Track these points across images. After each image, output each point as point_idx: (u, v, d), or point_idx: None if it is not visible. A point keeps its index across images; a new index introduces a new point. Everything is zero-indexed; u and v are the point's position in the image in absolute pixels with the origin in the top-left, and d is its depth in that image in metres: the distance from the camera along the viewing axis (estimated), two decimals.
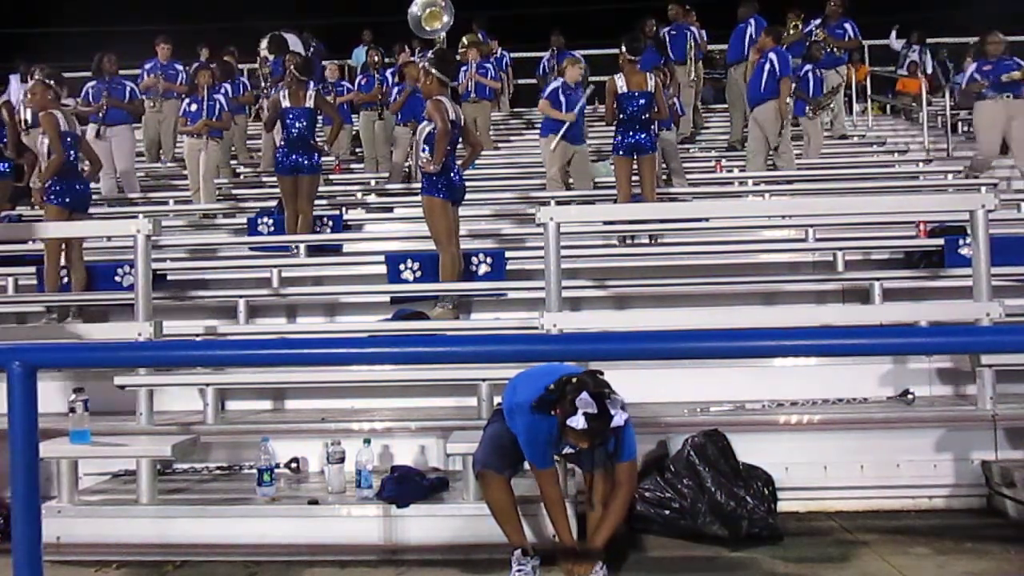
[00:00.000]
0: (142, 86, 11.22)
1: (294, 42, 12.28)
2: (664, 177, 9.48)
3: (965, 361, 4.72)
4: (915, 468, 4.51)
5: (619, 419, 3.36)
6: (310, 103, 8.03)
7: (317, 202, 8.54)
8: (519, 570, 3.57)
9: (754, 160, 9.77)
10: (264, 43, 12.18)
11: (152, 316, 4.88)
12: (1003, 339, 1.83)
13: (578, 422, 3.29)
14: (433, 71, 6.43)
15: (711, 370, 5.02)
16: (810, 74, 10.63)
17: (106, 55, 10.31)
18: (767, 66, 9.61)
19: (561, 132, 8.90)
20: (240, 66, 12.45)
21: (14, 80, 11.46)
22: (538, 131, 13.14)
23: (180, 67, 11.89)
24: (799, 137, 10.78)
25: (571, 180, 9.25)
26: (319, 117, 8.76)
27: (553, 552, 3.74)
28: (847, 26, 12.16)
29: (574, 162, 9.12)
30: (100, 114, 9.98)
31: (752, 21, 11.09)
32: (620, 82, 8.08)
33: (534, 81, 13.88)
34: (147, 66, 11.70)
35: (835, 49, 11.87)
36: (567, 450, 3.52)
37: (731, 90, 11.53)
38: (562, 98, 9.00)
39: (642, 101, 8.06)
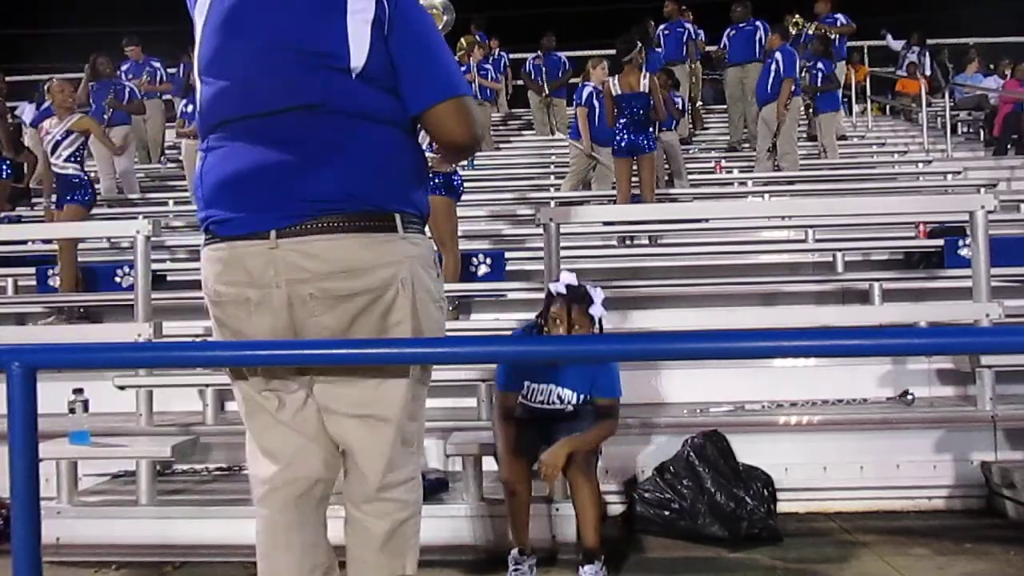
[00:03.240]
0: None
1: None
2: (667, 178, 9.49)
3: (965, 362, 4.72)
4: (915, 469, 4.51)
5: (598, 307, 3.51)
6: None
7: None
8: (515, 570, 3.57)
9: (763, 161, 9.77)
10: None
11: (152, 317, 4.88)
12: (1003, 340, 1.83)
13: (558, 287, 3.50)
14: None
15: (711, 371, 5.03)
16: (819, 69, 10.63)
17: (98, 57, 10.26)
18: (773, 66, 9.63)
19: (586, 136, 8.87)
20: None
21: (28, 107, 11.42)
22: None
23: (157, 64, 11.86)
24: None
25: (592, 181, 9.23)
26: None
27: (551, 552, 3.74)
28: (838, 16, 12.27)
29: (598, 165, 9.08)
30: (106, 116, 9.99)
31: (759, 24, 11.09)
32: (614, 84, 8.16)
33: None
34: (124, 67, 11.64)
35: (835, 36, 11.92)
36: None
37: (732, 90, 11.50)
38: (596, 103, 8.92)
39: (636, 102, 8.10)
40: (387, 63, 2.03)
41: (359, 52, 1.99)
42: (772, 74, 9.66)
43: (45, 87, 7.60)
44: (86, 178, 7.14)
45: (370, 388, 2.08)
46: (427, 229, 2.17)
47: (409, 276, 2.03)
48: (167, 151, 12.20)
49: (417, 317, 2.05)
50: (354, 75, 2.00)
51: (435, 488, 4.22)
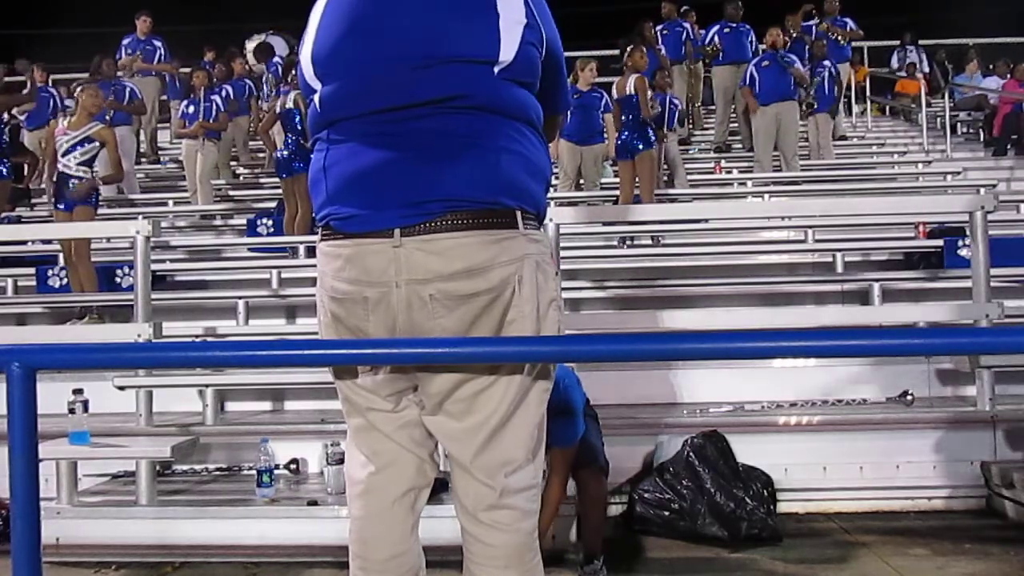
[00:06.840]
0: (119, 64, 11.12)
1: (280, 45, 12.23)
2: (666, 179, 9.51)
3: (964, 362, 4.71)
4: (914, 469, 4.51)
5: None
6: (290, 104, 8.15)
7: None
8: None
9: (765, 159, 9.73)
10: (251, 48, 12.17)
11: (151, 317, 4.88)
12: (1002, 340, 1.82)
13: None
14: None
15: (710, 371, 5.03)
16: (825, 72, 10.63)
17: (105, 58, 10.31)
18: (796, 65, 9.64)
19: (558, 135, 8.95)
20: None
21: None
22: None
23: (159, 43, 11.82)
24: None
25: (581, 181, 9.26)
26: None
27: (551, 551, 3.73)
28: (847, 20, 12.28)
29: (583, 163, 9.12)
30: (107, 116, 9.97)
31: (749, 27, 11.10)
32: (613, 88, 8.42)
33: None
34: (125, 42, 11.62)
35: (839, 38, 11.92)
36: None
37: (724, 91, 11.41)
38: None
39: (625, 104, 8.37)
40: (533, 62, 1.99)
41: (509, 47, 1.93)
42: (791, 74, 9.63)
43: (76, 89, 7.67)
44: (95, 181, 7.23)
45: (475, 389, 1.99)
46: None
47: (527, 274, 1.95)
48: (164, 149, 12.21)
49: (535, 317, 1.97)
50: (497, 70, 1.93)
51: (435, 489, 4.21)
